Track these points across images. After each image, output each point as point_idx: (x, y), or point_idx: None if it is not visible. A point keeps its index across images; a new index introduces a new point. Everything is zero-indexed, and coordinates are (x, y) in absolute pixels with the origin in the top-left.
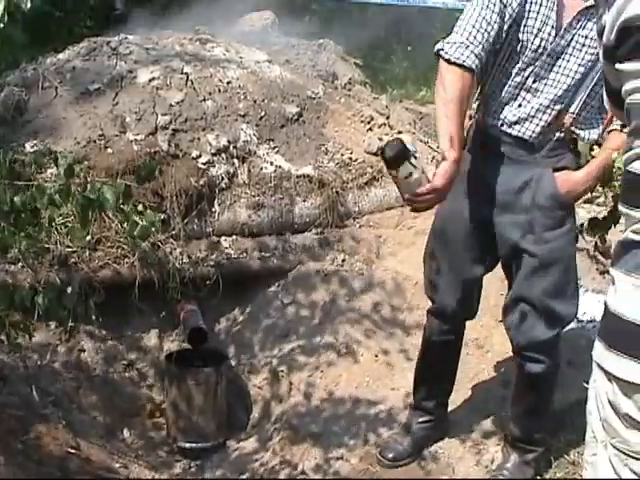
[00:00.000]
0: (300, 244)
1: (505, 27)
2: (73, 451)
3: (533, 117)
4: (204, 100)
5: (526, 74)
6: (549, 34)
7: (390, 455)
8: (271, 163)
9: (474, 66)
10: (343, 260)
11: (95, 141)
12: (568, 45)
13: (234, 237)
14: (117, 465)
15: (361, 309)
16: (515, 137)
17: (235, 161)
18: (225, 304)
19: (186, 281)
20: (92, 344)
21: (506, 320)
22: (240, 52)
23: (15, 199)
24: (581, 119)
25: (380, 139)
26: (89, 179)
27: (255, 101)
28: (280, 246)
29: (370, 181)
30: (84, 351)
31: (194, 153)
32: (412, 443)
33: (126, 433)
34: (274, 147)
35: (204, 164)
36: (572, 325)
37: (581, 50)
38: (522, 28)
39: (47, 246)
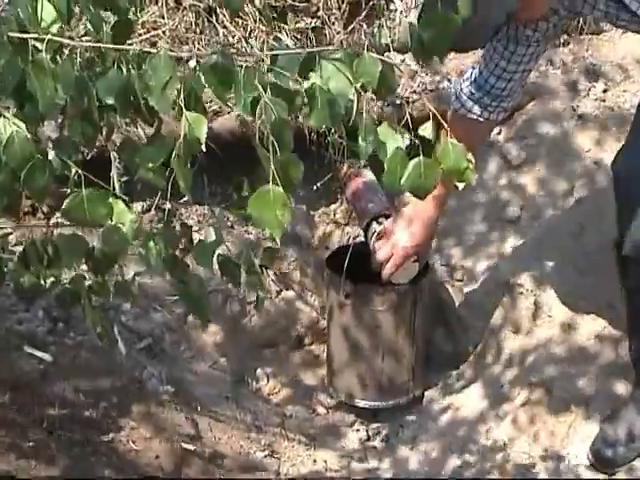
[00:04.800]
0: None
1: None
2: (192, 448)
3: None
4: None
5: None
6: None
7: (606, 454)
8: None
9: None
10: (604, 91)
11: None
12: None
13: None
14: (261, 455)
15: None
16: None
17: None
18: None
19: None
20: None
21: None
22: None
23: None
24: None
25: None
26: None
27: None
28: None
29: None
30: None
31: None
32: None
33: (260, 376)
34: None
35: None
36: None
37: None
38: None
39: None
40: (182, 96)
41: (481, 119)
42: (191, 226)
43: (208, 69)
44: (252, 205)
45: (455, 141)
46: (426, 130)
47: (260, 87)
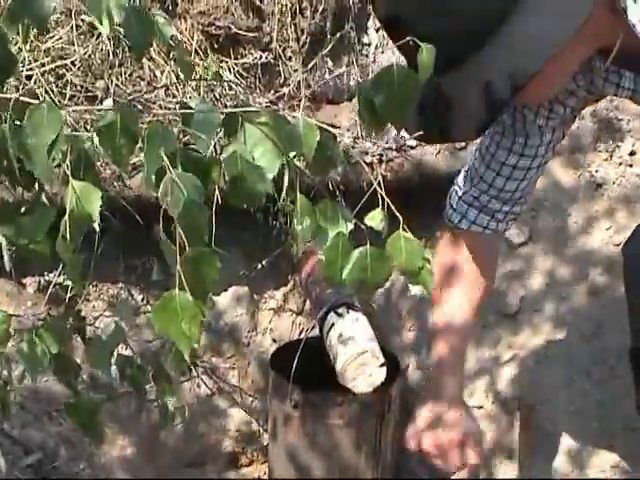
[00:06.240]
0: None
1: None
2: None
3: None
4: None
5: None
6: None
7: None
8: None
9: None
10: (632, 153)
11: None
12: None
13: None
14: None
15: None
16: None
17: None
18: None
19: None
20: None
21: None
22: None
23: None
24: None
25: None
26: None
27: None
28: None
29: None
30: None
31: None
32: None
33: None
34: None
35: None
36: None
37: None
38: None
39: None
40: (68, 161)
41: (488, 231)
42: (85, 318)
43: (104, 130)
44: (155, 314)
45: (409, 235)
46: (374, 219)
47: (166, 159)
